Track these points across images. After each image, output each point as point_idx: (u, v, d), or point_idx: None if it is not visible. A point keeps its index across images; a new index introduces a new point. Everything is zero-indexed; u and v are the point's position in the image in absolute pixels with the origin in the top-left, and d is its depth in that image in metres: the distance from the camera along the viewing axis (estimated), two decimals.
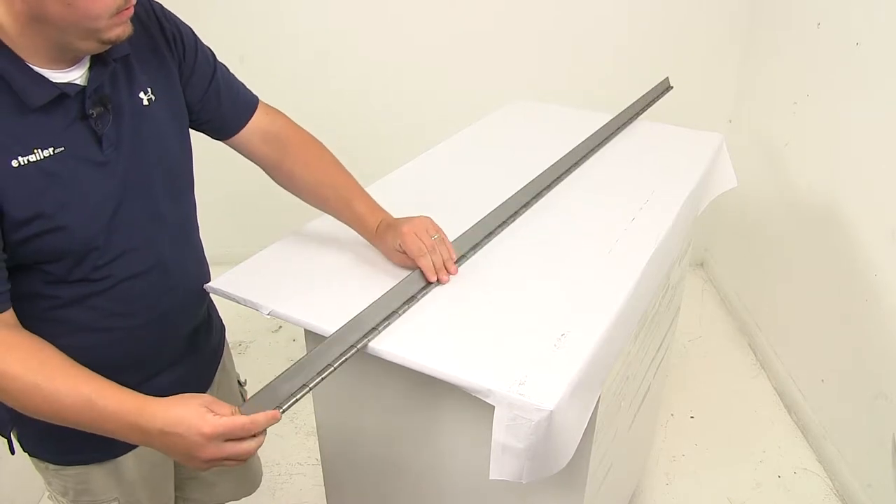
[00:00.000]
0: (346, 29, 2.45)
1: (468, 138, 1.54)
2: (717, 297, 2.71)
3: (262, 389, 0.74)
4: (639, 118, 1.62)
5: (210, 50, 1.00)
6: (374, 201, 1.06)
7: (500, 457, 0.82)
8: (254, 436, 0.73)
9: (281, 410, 0.74)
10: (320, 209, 1.08)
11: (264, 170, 1.08)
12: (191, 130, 1.00)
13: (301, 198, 1.08)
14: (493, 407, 0.80)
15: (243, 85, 1.05)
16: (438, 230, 1.00)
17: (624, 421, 1.20)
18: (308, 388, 0.77)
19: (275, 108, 1.08)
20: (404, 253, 0.98)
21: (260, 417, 0.72)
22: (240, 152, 1.06)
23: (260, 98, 1.06)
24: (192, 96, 0.97)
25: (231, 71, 1.05)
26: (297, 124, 1.09)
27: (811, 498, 1.82)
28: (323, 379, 0.80)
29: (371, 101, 2.56)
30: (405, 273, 0.98)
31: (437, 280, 0.98)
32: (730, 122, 2.58)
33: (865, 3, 1.74)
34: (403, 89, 2.55)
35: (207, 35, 1.02)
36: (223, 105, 1.00)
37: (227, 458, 0.73)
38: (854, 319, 1.78)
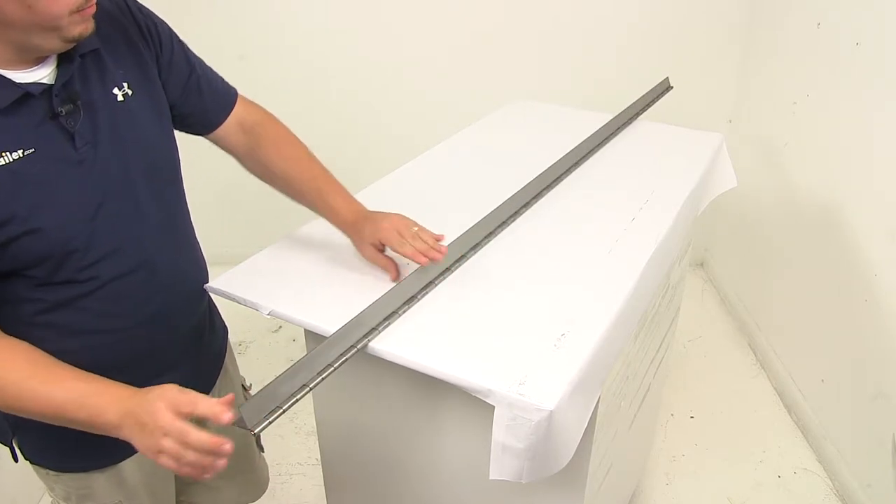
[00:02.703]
0: (346, 29, 2.45)
1: (468, 138, 1.54)
2: (717, 297, 2.71)
3: (262, 389, 0.74)
4: (639, 118, 1.62)
5: (185, 44, 0.98)
6: (348, 193, 1.06)
7: (500, 457, 0.82)
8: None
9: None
10: (294, 199, 1.07)
11: (237, 159, 1.07)
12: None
13: (275, 187, 1.07)
14: (493, 407, 0.80)
15: (221, 78, 1.04)
16: (417, 224, 1.00)
17: (624, 421, 1.20)
18: (308, 388, 0.77)
19: (251, 101, 1.07)
20: (380, 247, 0.98)
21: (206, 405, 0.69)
22: (217, 145, 1.05)
23: (239, 92, 1.05)
24: (173, 91, 0.95)
25: (217, 68, 1.03)
26: (273, 116, 1.08)
27: (811, 498, 1.82)
28: (323, 379, 0.80)
29: (371, 101, 2.56)
30: (405, 273, 0.98)
31: (431, 259, 0.95)
32: (730, 122, 2.58)
33: (865, 3, 1.74)
34: (403, 89, 2.55)
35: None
36: (205, 98, 0.99)
37: (186, 459, 0.69)
38: (854, 319, 1.78)
